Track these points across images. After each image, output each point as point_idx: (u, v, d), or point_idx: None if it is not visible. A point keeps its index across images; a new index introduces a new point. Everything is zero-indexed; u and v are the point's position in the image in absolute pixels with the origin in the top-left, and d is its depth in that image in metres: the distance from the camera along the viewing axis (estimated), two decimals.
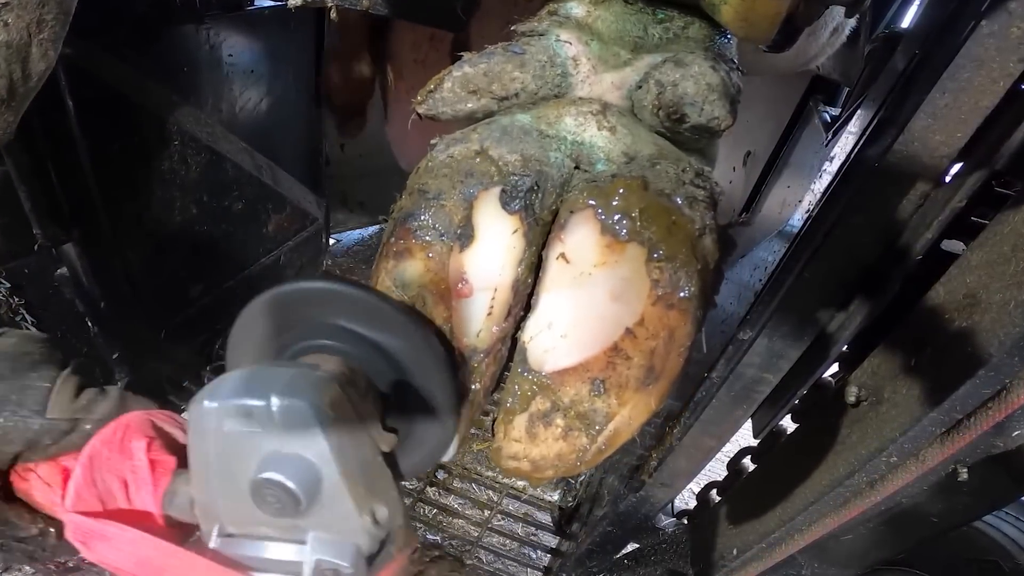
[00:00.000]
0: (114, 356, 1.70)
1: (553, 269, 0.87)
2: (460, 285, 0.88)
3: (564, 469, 0.92)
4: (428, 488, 2.19)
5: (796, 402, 1.21)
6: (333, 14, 1.43)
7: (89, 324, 1.60)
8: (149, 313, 1.83)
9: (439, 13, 1.42)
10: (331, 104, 2.40)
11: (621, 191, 0.84)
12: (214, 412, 0.65)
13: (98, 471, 0.73)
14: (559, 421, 0.87)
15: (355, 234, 3.47)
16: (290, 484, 0.63)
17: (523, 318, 0.92)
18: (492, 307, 0.89)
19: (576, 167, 0.92)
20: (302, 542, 0.68)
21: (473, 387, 0.92)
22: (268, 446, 0.65)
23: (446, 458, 0.95)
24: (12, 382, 0.72)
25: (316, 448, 0.64)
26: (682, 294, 0.82)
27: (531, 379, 0.88)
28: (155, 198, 1.73)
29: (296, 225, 2.46)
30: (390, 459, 0.75)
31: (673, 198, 0.86)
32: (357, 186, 3.01)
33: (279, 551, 0.69)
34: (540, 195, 0.89)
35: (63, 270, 1.50)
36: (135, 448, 0.74)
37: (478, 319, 0.90)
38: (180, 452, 0.74)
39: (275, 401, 0.63)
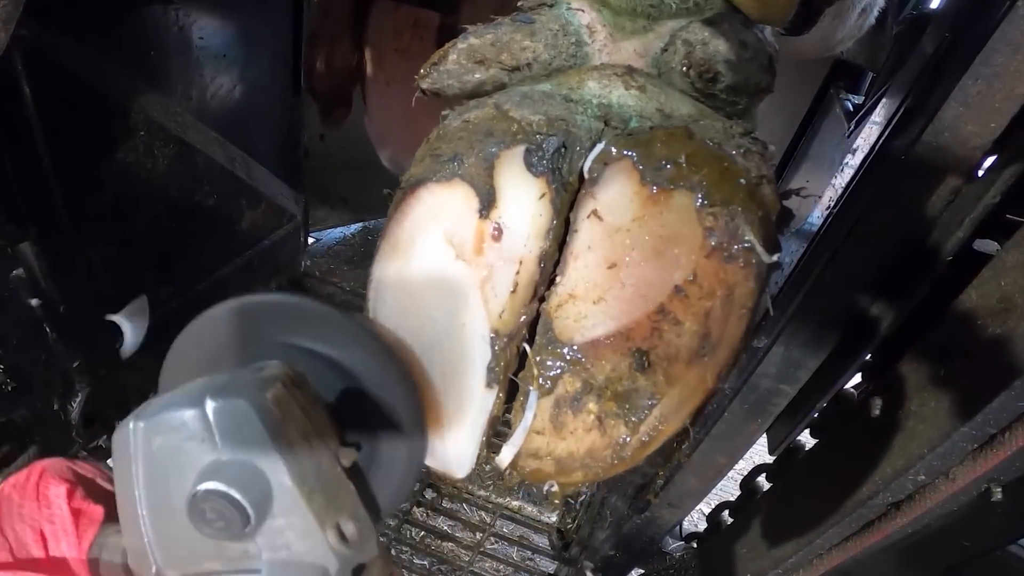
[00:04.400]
0: (74, 365, 1.68)
1: (584, 229, 0.83)
2: (480, 258, 0.84)
3: (597, 470, 0.85)
4: (415, 508, 2.18)
5: (815, 415, 1.20)
6: None
7: (47, 330, 1.58)
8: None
9: None
10: (314, 92, 2.39)
11: (663, 139, 0.80)
12: (140, 431, 0.61)
13: (7, 519, 0.67)
14: (592, 406, 0.81)
15: (336, 232, 3.47)
16: (233, 492, 0.58)
17: (548, 290, 0.86)
18: (516, 284, 0.84)
19: (605, 125, 0.87)
20: (256, 571, 0.62)
21: (496, 383, 0.86)
22: (205, 458, 0.60)
23: (462, 473, 0.92)
24: None
25: (261, 449, 0.60)
26: (743, 244, 0.76)
27: (558, 353, 0.82)
28: (119, 193, 1.72)
29: (272, 222, 2.45)
30: (355, 476, 0.71)
31: (724, 147, 0.80)
32: (338, 180, 3.00)
33: None
34: (568, 158, 0.84)
35: (19, 271, 1.49)
36: (53, 495, 0.69)
37: (500, 298, 0.85)
38: (108, 503, 0.69)
39: (209, 403, 0.60)
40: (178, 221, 1.96)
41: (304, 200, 2.61)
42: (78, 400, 1.70)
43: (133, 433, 0.61)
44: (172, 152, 1.83)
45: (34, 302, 1.48)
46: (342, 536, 0.63)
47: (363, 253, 3.37)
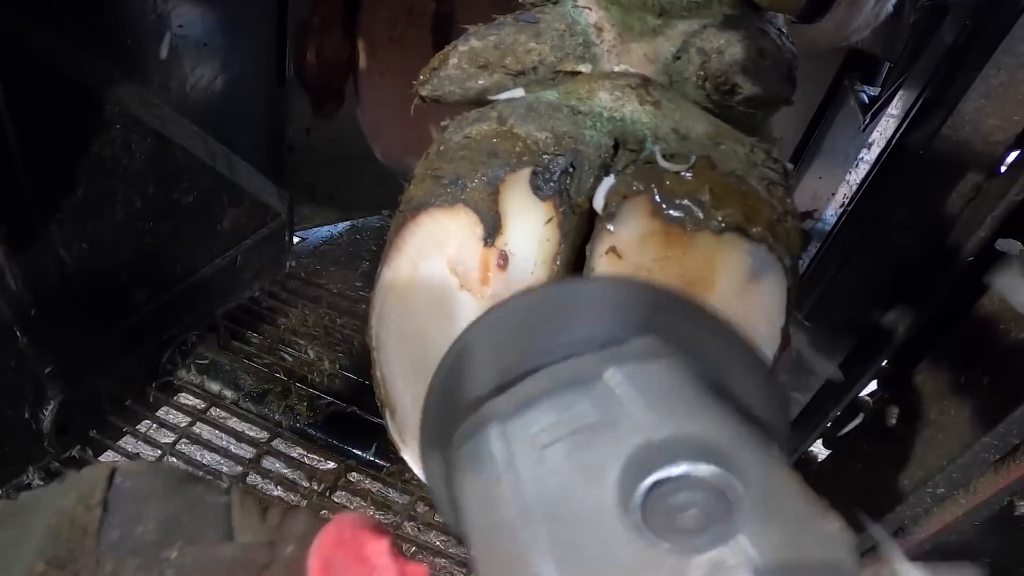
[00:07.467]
0: (46, 370, 1.68)
1: (602, 267, 0.82)
2: (485, 288, 0.84)
3: None
4: (406, 523, 2.18)
5: (829, 425, 1.20)
6: None
7: (18, 334, 1.58)
8: (87, 321, 1.81)
9: None
10: (304, 84, 2.39)
11: (684, 171, 0.80)
12: (510, 437, 0.46)
13: None
14: None
15: (323, 231, 3.45)
16: (707, 475, 0.38)
17: None
18: None
19: (616, 146, 0.86)
20: None
21: None
22: (626, 444, 0.42)
23: None
24: (175, 500, 0.53)
25: (710, 416, 0.44)
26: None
27: None
28: (94, 190, 1.72)
29: (255, 221, 2.44)
30: None
31: (747, 179, 0.81)
32: (325, 177, 2.98)
33: None
34: (576, 179, 0.83)
35: None
36: (373, 551, 0.62)
37: None
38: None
39: (613, 374, 0.46)
40: (156, 219, 1.95)
41: (289, 197, 2.60)
42: (50, 408, 1.70)
43: (497, 441, 0.47)
44: (150, 146, 1.83)
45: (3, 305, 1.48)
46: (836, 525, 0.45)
47: (351, 253, 3.35)
